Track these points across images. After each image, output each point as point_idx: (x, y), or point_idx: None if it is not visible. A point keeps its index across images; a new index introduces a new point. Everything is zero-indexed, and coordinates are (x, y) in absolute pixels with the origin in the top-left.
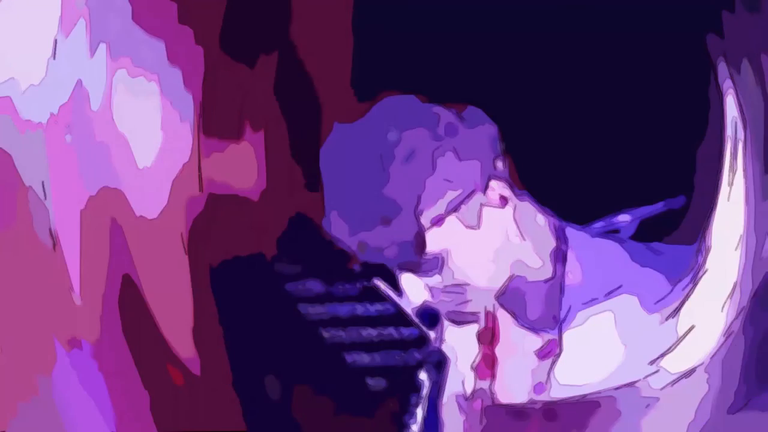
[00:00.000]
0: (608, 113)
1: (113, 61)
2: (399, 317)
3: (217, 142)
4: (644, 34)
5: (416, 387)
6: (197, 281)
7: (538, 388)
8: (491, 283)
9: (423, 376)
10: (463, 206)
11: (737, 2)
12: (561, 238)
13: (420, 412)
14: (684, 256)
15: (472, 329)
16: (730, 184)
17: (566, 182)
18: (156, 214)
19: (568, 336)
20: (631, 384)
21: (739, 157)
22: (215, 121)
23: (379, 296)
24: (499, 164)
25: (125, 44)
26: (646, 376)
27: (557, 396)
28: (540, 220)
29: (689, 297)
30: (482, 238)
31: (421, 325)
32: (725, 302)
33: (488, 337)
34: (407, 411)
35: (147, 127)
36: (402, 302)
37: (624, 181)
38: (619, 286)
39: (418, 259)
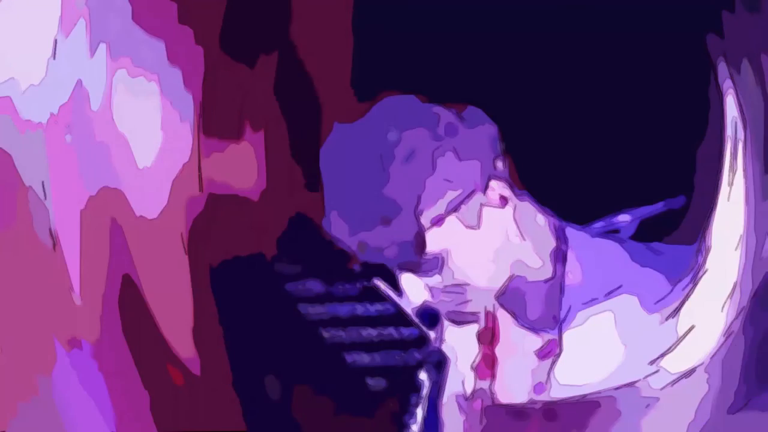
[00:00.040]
0: (608, 113)
1: (113, 61)
2: (399, 317)
3: (217, 142)
4: (644, 34)
5: (416, 387)
6: (197, 281)
7: (538, 388)
8: (491, 283)
9: (423, 376)
10: (463, 206)
11: (737, 2)
12: (561, 238)
13: (420, 412)
14: (684, 256)
15: (472, 329)
16: (730, 184)
17: (566, 182)
18: (156, 214)
19: (568, 336)
20: (631, 384)
21: (739, 157)
22: (215, 121)
23: (379, 296)
24: (499, 164)
25: (125, 44)
26: (646, 376)
27: (557, 396)
28: (540, 220)
29: (689, 297)
30: (482, 238)
31: (421, 325)
32: (725, 302)
33: (488, 337)
34: (407, 411)
35: (147, 127)
36: (402, 302)
37: (624, 181)
38: (619, 286)
39: (418, 259)
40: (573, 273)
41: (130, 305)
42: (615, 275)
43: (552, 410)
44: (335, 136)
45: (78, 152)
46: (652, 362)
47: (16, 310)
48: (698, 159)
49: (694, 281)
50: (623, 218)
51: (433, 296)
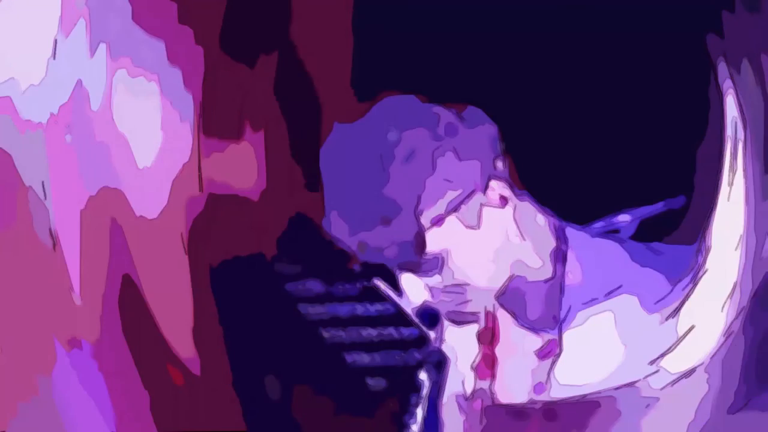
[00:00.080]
0: (608, 113)
1: (113, 61)
2: (399, 317)
3: (217, 142)
4: (644, 34)
5: (416, 387)
6: (197, 281)
7: (538, 388)
8: (491, 283)
9: (423, 376)
10: (463, 206)
11: (737, 2)
12: (561, 238)
13: (420, 412)
14: (684, 256)
15: (472, 329)
16: (730, 184)
17: (566, 182)
18: (156, 214)
19: (568, 336)
20: (631, 384)
21: (739, 157)
22: (215, 121)
23: (379, 296)
24: (499, 164)
25: (125, 44)
26: (646, 376)
27: (557, 396)
28: (540, 220)
29: (689, 297)
30: (482, 238)
31: (421, 325)
32: (725, 302)
33: (488, 337)
34: (407, 411)
35: (147, 127)
36: (402, 302)
37: (624, 181)
38: (619, 286)
39: (418, 259)
40: (573, 273)
41: (130, 305)
42: (615, 275)
43: (552, 410)
44: (335, 136)
45: (78, 152)
46: (652, 362)
47: (16, 310)
48: (698, 159)
49: (694, 281)
50: (623, 218)
51: (433, 296)
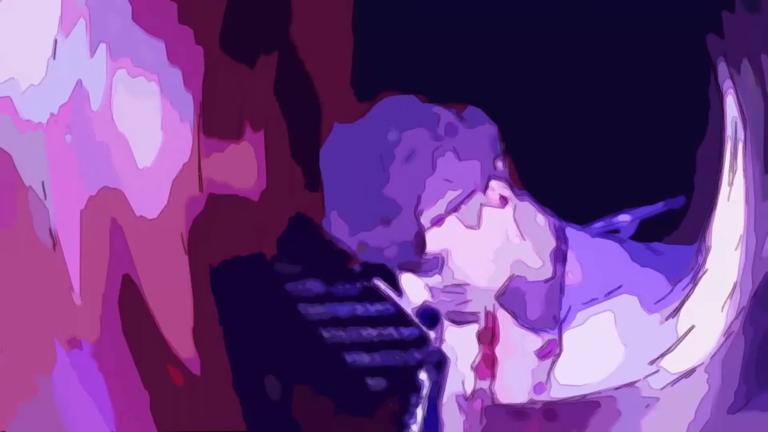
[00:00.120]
0: (608, 113)
1: (113, 61)
2: (399, 317)
3: (217, 142)
4: (644, 34)
5: (416, 387)
6: (197, 281)
7: (538, 388)
8: (491, 283)
9: (423, 376)
10: (463, 206)
11: (737, 2)
12: (561, 238)
13: (420, 412)
14: (684, 256)
15: (472, 329)
16: (730, 184)
17: (566, 182)
18: (156, 214)
19: (568, 336)
20: (631, 384)
21: (739, 157)
22: (215, 121)
23: (379, 296)
24: (499, 164)
25: (125, 44)
26: (646, 376)
27: (557, 396)
28: (540, 220)
29: (689, 297)
30: (482, 238)
31: (421, 325)
32: (725, 302)
33: (488, 337)
34: (407, 411)
35: (147, 127)
36: (402, 302)
37: (624, 181)
38: (619, 286)
39: (418, 259)
40: (573, 273)
41: (130, 305)
42: (615, 275)
43: (552, 410)
44: (335, 136)
45: (78, 152)
46: (652, 362)
47: (16, 310)
48: (698, 159)
49: (694, 281)
50: (623, 218)
51: (433, 296)
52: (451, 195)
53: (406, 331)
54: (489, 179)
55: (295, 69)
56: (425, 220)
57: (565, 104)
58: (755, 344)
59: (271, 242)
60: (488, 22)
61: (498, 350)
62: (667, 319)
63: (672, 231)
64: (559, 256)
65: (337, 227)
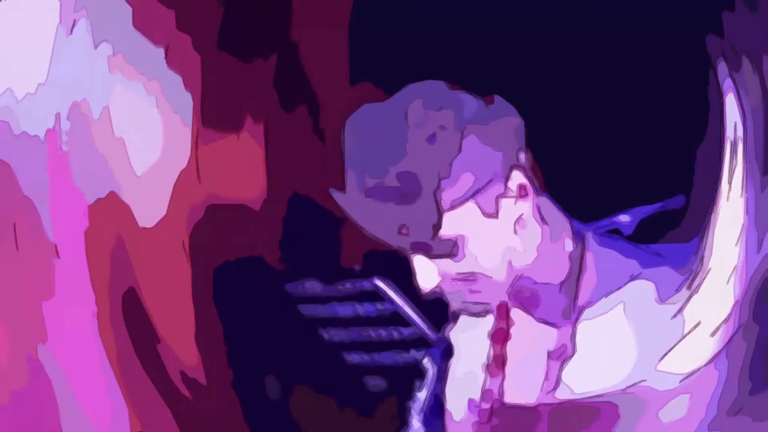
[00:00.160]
0: (608, 113)
1: (113, 63)
2: (399, 317)
3: (217, 144)
4: (644, 34)
5: (417, 386)
6: (198, 283)
7: (548, 388)
8: (503, 276)
9: (426, 362)
10: (482, 194)
11: (737, 2)
12: (577, 236)
13: (422, 396)
14: (684, 256)
15: (483, 330)
16: (730, 183)
17: (566, 182)
18: (156, 220)
19: (579, 336)
20: (638, 384)
21: (739, 157)
22: (215, 122)
23: (379, 296)
24: (522, 156)
25: (125, 46)
26: (651, 377)
27: (565, 396)
28: (558, 216)
29: (690, 297)
30: (498, 228)
31: (420, 325)
32: (725, 302)
33: (501, 336)
34: (409, 405)
35: (146, 131)
36: (402, 304)
37: (624, 181)
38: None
39: (432, 240)
40: (587, 271)
41: (133, 313)
42: (628, 275)
43: (561, 411)
44: (363, 112)
45: (77, 160)
46: (658, 363)
47: (17, 317)
48: (698, 159)
49: (694, 281)
50: (623, 218)
51: (444, 282)
52: (471, 180)
53: (406, 331)
54: (511, 170)
55: (295, 69)
56: (444, 202)
57: (565, 104)
58: (757, 344)
59: (271, 245)
60: (487, 23)
61: (509, 349)
62: (670, 318)
63: (672, 231)
64: (575, 255)
65: (351, 201)
